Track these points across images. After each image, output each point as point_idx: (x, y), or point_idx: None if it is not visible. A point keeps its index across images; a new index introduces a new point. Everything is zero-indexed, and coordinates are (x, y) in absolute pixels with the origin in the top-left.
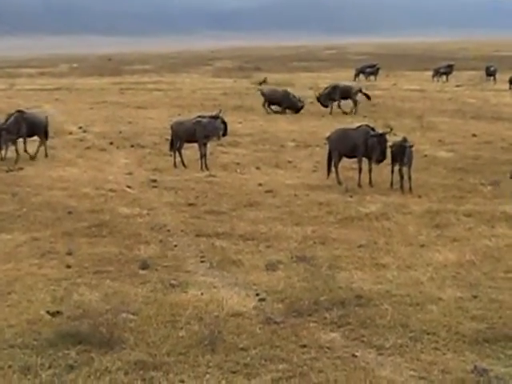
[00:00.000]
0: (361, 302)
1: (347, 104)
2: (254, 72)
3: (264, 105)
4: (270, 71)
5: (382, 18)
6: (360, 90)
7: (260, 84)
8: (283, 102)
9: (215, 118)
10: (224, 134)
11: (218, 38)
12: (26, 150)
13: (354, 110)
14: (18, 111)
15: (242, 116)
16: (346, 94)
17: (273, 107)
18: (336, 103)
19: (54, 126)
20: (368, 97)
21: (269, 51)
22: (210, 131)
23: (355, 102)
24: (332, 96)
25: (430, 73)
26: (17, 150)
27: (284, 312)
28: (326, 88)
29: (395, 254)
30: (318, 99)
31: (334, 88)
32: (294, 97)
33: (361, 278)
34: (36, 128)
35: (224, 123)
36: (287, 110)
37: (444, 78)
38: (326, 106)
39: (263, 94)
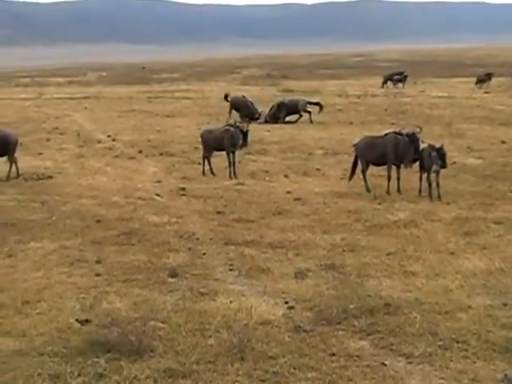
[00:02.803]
0: (390, 310)
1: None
2: (281, 80)
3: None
4: (297, 79)
5: (408, 24)
6: (308, 103)
7: (226, 97)
8: (241, 109)
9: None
10: (244, 145)
11: (245, 45)
12: None
13: (297, 120)
14: None
15: (269, 123)
16: (292, 109)
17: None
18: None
19: (83, 135)
20: (320, 106)
21: (296, 59)
22: (237, 140)
23: (301, 115)
24: (277, 115)
25: (457, 79)
26: None
27: (313, 320)
28: (272, 107)
29: (424, 262)
30: (267, 121)
31: (279, 106)
32: (252, 104)
33: (390, 285)
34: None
35: (244, 133)
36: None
37: (483, 85)
38: (276, 123)
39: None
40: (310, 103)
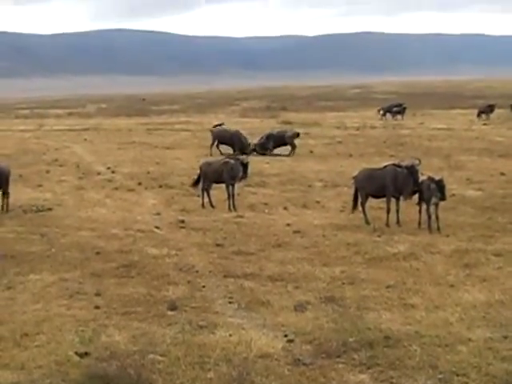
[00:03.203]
0: (389, 343)
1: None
2: (280, 112)
3: (212, 145)
4: (296, 111)
5: (407, 56)
6: (297, 135)
7: (214, 127)
8: (234, 143)
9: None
10: (244, 177)
11: (244, 77)
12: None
13: (291, 153)
14: None
15: (269, 156)
16: (280, 141)
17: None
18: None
19: (82, 167)
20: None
21: (295, 91)
22: (237, 172)
23: (293, 147)
24: (266, 145)
25: (456, 111)
26: None
27: (313, 353)
28: (261, 137)
29: (424, 295)
30: (254, 149)
31: (268, 137)
32: (245, 138)
33: (389, 318)
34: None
35: (244, 165)
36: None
37: (484, 116)
38: (264, 154)
39: (212, 133)
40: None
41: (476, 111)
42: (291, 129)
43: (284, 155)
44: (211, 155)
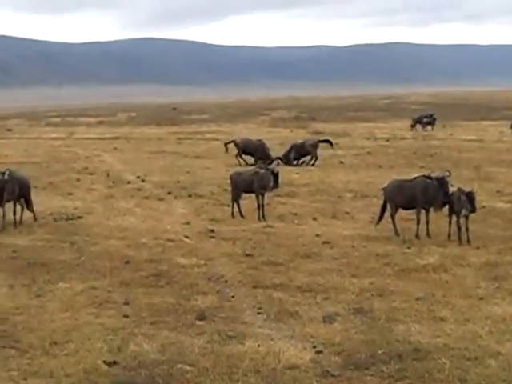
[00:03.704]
0: (418, 356)
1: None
2: (310, 122)
3: (237, 155)
4: (325, 121)
5: (437, 67)
6: (318, 142)
7: (227, 144)
8: (257, 153)
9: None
10: (275, 186)
11: (274, 87)
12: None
13: (311, 163)
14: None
15: (299, 166)
16: (302, 150)
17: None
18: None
19: (112, 175)
20: (331, 143)
21: (325, 101)
22: (267, 182)
23: (313, 157)
24: (290, 155)
25: (486, 122)
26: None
27: (341, 365)
28: (288, 148)
29: (453, 307)
30: (280, 159)
31: (291, 148)
32: (268, 149)
33: (418, 331)
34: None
35: (275, 175)
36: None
37: None
38: (290, 165)
39: (236, 145)
40: (321, 141)
41: (508, 123)
42: (313, 138)
43: (312, 165)
44: (240, 165)
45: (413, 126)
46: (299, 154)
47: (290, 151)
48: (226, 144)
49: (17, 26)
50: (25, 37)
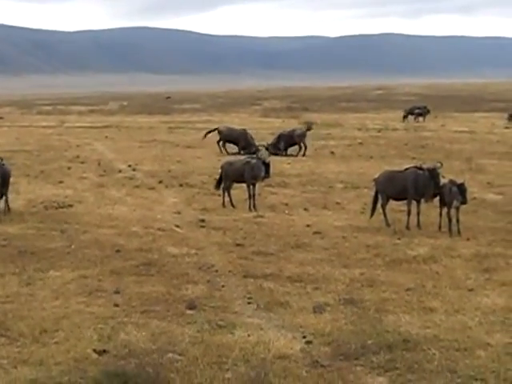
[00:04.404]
0: (408, 347)
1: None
2: (302, 112)
3: (219, 143)
4: (318, 111)
5: (429, 58)
6: (307, 131)
7: (208, 133)
8: (240, 142)
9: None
10: (266, 176)
11: (266, 77)
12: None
13: (300, 153)
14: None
15: (290, 156)
16: (290, 140)
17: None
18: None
19: (103, 164)
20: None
21: (317, 91)
22: (258, 172)
23: (301, 147)
24: (277, 145)
25: (478, 114)
26: None
27: (331, 355)
28: (274, 137)
29: (443, 298)
30: (267, 148)
31: (279, 137)
32: (252, 138)
33: (408, 321)
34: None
35: (266, 164)
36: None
37: None
38: (276, 154)
39: (220, 132)
40: (309, 130)
41: (499, 114)
42: (301, 127)
43: (295, 156)
44: (220, 152)
45: (405, 116)
46: (288, 143)
47: (278, 141)
48: (207, 132)
49: (9, 14)
50: (17, 25)
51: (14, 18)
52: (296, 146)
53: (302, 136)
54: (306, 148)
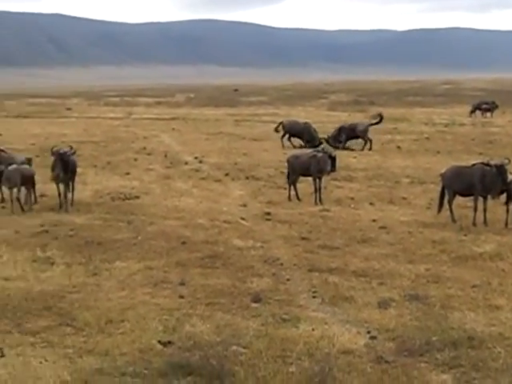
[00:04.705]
0: (473, 344)
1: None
2: (368, 106)
3: (283, 137)
4: (384, 106)
5: (496, 53)
6: (370, 125)
7: (277, 129)
8: (304, 135)
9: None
10: (332, 170)
11: (332, 70)
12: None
13: (366, 147)
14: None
15: (356, 150)
16: (352, 133)
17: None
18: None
19: (170, 156)
20: (381, 118)
21: (383, 85)
22: (324, 166)
23: (366, 140)
24: (338, 138)
25: None
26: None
27: (395, 351)
28: (335, 130)
29: (509, 296)
30: (327, 141)
31: (340, 130)
32: (315, 131)
33: (474, 319)
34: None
35: (332, 158)
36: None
37: None
38: (337, 147)
39: (283, 127)
40: (372, 124)
41: None
42: (363, 122)
43: (360, 150)
44: (283, 146)
45: (472, 111)
46: (349, 136)
47: (339, 133)
48: (276, 128)
49: (77, 6)
50: (84, 16)
51: (81, 9)
52: (360, 140)
53: (365, 131)
54: (371, 142)
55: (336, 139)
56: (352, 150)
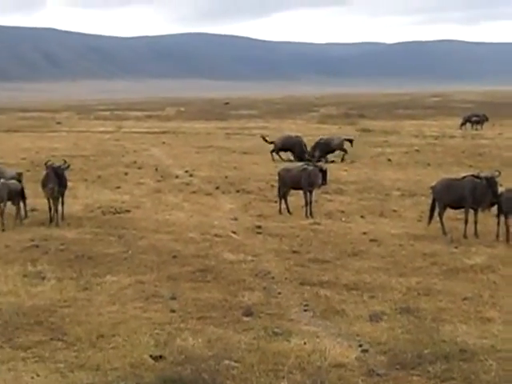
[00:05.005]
0: (465, 357)
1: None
2: (358, 119)
3: (273, 152)
4: (374, 118)
5: (486, 65)
6: (344, 140)
7: (264, 139)
8: (295, 150)
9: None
10: (323, 183)
11: (322, 83)
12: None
13: (342, 159)
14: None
15: (347, 163)
16: (327, 148)
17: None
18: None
19: (160, 170)
20: (351, 142)
21: (373, 98)
22: (315, 179)
23: (344, 150)
24: (313, 153)
25: None
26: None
27: (387, 364)
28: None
29: (501, 308)
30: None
31: (316, 144)
32: (305, 145)
33: (465, 331)
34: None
35: (323, 171)
36: None
37: None
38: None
39: (275, 145)
40: (347, 140)
41: None
42: (339, 136)
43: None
44: (273, 160)
45: (463, 124)
46: (324, 151)
47: (314, 149)
48: (264, 138)
49: (68, 19)
50: (75, 30)
51: (70, 23)
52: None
53: (340, 144)
54: (346, 152)
55: (312, 155)
56: (332, 161)
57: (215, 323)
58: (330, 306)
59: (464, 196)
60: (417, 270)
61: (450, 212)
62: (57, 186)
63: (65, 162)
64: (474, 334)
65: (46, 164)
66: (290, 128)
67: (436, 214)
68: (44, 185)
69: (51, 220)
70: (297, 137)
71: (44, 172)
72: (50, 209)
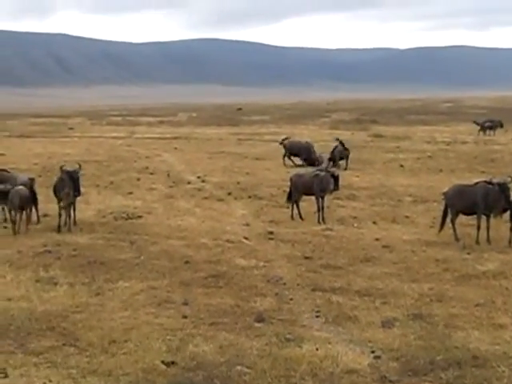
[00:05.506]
0: (477, 363)
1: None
2: (371, 125)
3: (284, 156)
4: (386, 124)
5: (499, 71)
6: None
7: (282, 142)
8: (302, 154)
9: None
10: (335, 189)
11: (334, 89)
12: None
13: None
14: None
15: (359, 169)
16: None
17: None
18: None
19: (172, 175)
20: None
21: (385, 104)
22: (327, 185)
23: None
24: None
25: None
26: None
27: (399, 371)
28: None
29: None
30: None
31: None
32: (315, 152)
33: (478, 337)
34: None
35: (334, 177)
36: None
37: None
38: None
39: (284, 146)
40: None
41: None
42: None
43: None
44: (284, 165)
45: (481, 129)
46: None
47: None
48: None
49: (80, 25)
50: (88, 36)
51: (83, 29)
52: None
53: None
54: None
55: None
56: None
57: (227, 329)
58: (342, 312)
59: (476, 202)
60: (429, 276)
61: (462, 218)
62: (72, 191)
63: (79, 166)
64: (487, 341)
65: (61, 168)
66: (302, 134)
67: (448, 220)
68: (57, 190)
69: (59, 227)
70: (306, 142)
71: (56, 177)
72: (59, 215)
